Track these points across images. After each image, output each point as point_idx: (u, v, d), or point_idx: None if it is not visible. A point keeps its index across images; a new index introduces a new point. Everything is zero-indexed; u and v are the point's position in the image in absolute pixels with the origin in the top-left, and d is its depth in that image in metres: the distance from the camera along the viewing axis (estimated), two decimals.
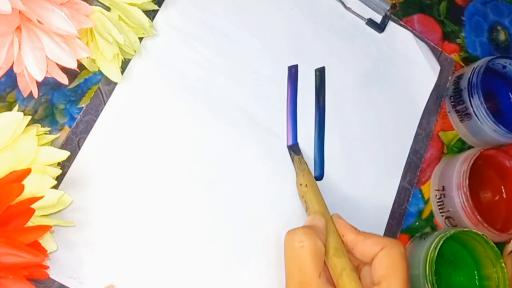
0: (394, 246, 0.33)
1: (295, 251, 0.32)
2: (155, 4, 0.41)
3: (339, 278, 0.32)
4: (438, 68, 0.48)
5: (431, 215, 0.45)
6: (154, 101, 0.40)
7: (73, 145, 0.37)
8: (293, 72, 0.44)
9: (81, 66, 0.38)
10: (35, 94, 0.34)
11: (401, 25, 0.48)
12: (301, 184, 0.39)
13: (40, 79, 0.32)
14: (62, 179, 0.36)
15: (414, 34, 0.48)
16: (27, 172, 0.31)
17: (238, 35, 0.43)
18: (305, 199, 0.38)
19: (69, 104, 0.39)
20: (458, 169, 0.43)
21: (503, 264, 0.40)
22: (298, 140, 0.42)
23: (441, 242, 0.39)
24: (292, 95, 0.43)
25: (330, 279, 0.32)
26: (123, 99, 0.39)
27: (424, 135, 0.46)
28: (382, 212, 0.43)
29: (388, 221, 0.42)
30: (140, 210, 0.37)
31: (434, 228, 0.45)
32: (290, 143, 0.42)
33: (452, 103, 0.48)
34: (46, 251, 0.32)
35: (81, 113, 0.38)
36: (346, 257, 0.33)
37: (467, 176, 0.42)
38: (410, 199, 0.44)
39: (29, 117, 0.32)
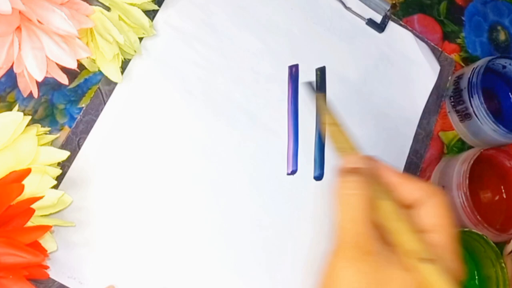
0: (442, 193, 0.31)
1: (349, 200, 0.30)
2: (155, 4, 0.41)
3: (390, 222, 0.30)
4: (438, 68, 0.48)
5: None
6: (154, 101, 0.40)
7: (73, 145, 0.37)
8: (293, 72, 0.44)
9: (81, 66, 0.38)
10: (35, 94, 0.34)
11: (401, 25, 0.48)
12: (329, 123, 0.35)
13: (40, 79, 0.32)
14: (62, 179, 0.36)
15: (414, 34, 0.48)
16: (27, 172, 0.31)
17: (238, 35, 0.43)
18: (336, 139, 0.35)
19: (69, 104, 0.39)
20: (458, 169, 0.43)
21: (503, 264, 0.40)
22: (299, 140, 0.42)
23: None
24: (293, 94, 0.43)
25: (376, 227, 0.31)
26: (123, 99, 0.39)
27: (424, 135, 0.46)
28: None
29: None
30: (140, 210, 0.37)
31: None
32: (292, 142, 0.42)
33: (452, 103, 0.48)
34: (46, 251, 0.32)
35: (81, 113, 0.38)
36: (392, 199, 0.31)
37: (467, 176, 0.42)
38: None
39: (29, 117, 0.32)
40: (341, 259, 0.29)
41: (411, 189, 0.31)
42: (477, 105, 0.44)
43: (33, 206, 0.31)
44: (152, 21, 0.41)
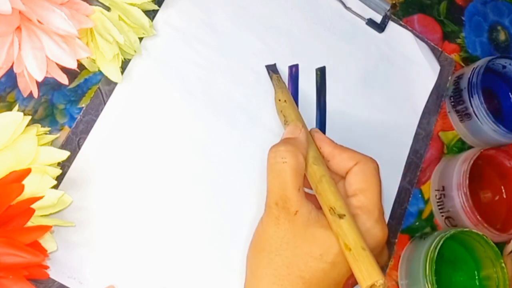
0: (368, 161, 0.34)
1: (277, 167, 0.32)
2: (155, 4, 0.41)
3: (319, 184, 0.33)
4: (438, 68, 0.48)
5: (431, 215, 0.45)
6: (154, 101, 0.40)
7: (73, 145, 0.37)
8: (293, 72, 0.44)
9: (81, 66, 0.38)
10: (35, 94, 0.34)
11: (401, 25, 0.48)
12: (279, 100, 0.40)
13: (40, 79, 0.32)
14: (62, 179, 0.36)
15: (414, 34, 0.48)
16: (27, 172, 0.31)
17: (238, 35, 0.43)
18: (284, 113, 0.39)
19: (69, 104, 0.39)
20: (458, 169, 0.43)
21: (503, 264, 0.40)
22: None
23: (441, 242, 0.39)
24: (293, 94, 0.43)
25: (308, 195, 0.33)
26: (123, 99, 0.39)
27: (424, 135, 0.46)
28: None
29: (388, 221, 0.42)
30: (140, 210, 0.37)
31: (434, 228, 0.45)
32: None
33: (452, 103, 0.48)
34: (46, 251, 0.32)
35: (81, 113, 0.38)
36: (324, 165, 0.34)
37: (467, 176, 0.42)
38: (410, 199, 0.44)
39: (29, 117, 0.32)
40: (268, 218, 0.32)
41: (344, 158, 0.34)
42: (477, 105, 0.44)
43: (33, 206, 0.31)
44: (152, 21, 0.41)
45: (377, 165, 0.34)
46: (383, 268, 0.41)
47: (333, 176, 0.35)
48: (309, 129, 0.37)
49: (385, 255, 0.35)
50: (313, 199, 0.33)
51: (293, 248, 0.31)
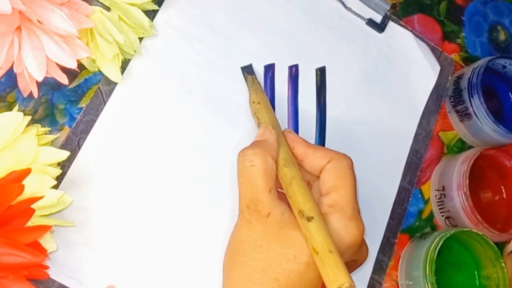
0: (342, 158, 0.33)
1: (246, 171, 0.32)
2: (155, 4, 0.41)
3: (289, 186, 0.32)
4: (438, 68, 0.48)
5: (431, 215, 0.45)
6: (154, 101, 0.40)
7: (73, 145, 0.37)
8: (293, 72, 0.44)
9: (81, 66, 0.38)
10: (35, 94, 0.34)
11: (401, 25, 0.48)
12: (253, 102, 0.39)
13: (40, 79, 0.32)
14: (62, 179, 0.36)
15: (414, 34, 0.48)
16: (27, 172, 0.31)
17: (238, 35, 0.43)
18: (258, 116, 0.38)
19: (69, 104, 0.39)
20: (458, 169, 0.43)
21: (503, 264, 0.40)
22: None
23: (441, 242, 0.39)
24: (293, 94, 0.43)
25: (280, 196, 0.33)
26: (123, 99, 0.39)
27: (424, 135, 0.46)
28: (382, 212, 0.43)
29: (388, 221, 0.42)
30: (140, 210, 0.37)
31: (434, 228, 0.45)
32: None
33: (452, 103, 0.48)
34: (46, 251, 0.32)
35: (81, 113, 0.38)
36: (296, 167, 0.34)
37: (467, 176, 0.42)
38: (410, 199, 0.44)
39: (29, 117, 0.32)
40: (241, 222, 0.32)
41: (317, 157, 0.34)
42: (477, 105, 0.44)
43: (33, 206, 0.31)
44: (152, 21, 0.41)
45: (351, 161, 0.34)
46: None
47: (308, 176, 0.35)
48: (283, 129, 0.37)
49: (364, 252, 0.35)
50: (287, 200, 0.33)
51: (266, 250, 0.31)
